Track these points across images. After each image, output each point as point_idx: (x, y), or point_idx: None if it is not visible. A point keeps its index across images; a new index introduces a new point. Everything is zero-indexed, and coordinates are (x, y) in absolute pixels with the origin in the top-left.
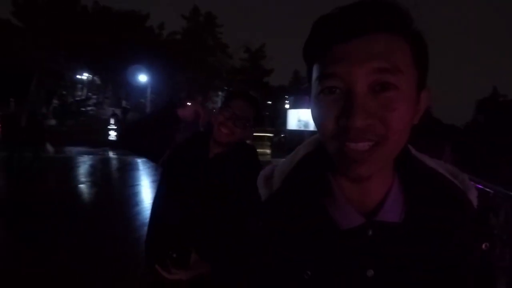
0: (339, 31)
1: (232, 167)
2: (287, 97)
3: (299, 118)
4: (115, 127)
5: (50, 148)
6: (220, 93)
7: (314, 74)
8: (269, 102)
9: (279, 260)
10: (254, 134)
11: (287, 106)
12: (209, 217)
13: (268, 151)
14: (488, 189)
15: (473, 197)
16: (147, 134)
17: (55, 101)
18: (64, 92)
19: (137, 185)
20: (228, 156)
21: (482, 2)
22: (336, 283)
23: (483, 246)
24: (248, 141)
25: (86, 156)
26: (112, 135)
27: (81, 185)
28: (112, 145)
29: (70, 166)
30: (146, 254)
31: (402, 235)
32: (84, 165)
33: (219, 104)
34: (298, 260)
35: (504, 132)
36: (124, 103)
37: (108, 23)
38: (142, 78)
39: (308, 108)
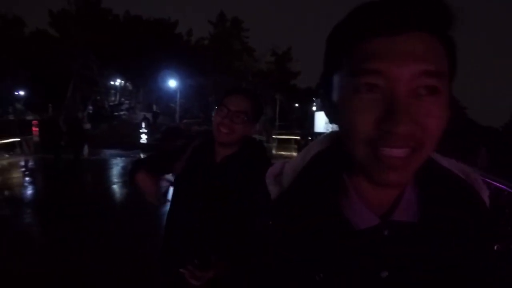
0: (387, 22)
1: (234, 167)
2: (314, 99)
3: (327, 120)
4: (146, 131)
5: (87, 151)
6: None
7: (347, 67)
8: (296, 105)
9: (288, 260)
10: (282, 137)
11: (314, 108)
12: (213, 219)
13: (295, 154)
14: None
15: (486, 197)
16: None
17: (90, 107)
18: (98, 98)
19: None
20: (232, 158)
21: None
22: (348, 285)
23: (495, 247)
24: (257, 136)
25: (118, 158)
26: (143, 138)
27: (114, 186)
28: (143, 148)
29: (104, 168)
30: (161, 258)
31: (418, 235)
32: (116, 167)
33: None
34: (309, 260)
35: None
36: (154, 107)
37: (139, 31)
38: (172, 83)
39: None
